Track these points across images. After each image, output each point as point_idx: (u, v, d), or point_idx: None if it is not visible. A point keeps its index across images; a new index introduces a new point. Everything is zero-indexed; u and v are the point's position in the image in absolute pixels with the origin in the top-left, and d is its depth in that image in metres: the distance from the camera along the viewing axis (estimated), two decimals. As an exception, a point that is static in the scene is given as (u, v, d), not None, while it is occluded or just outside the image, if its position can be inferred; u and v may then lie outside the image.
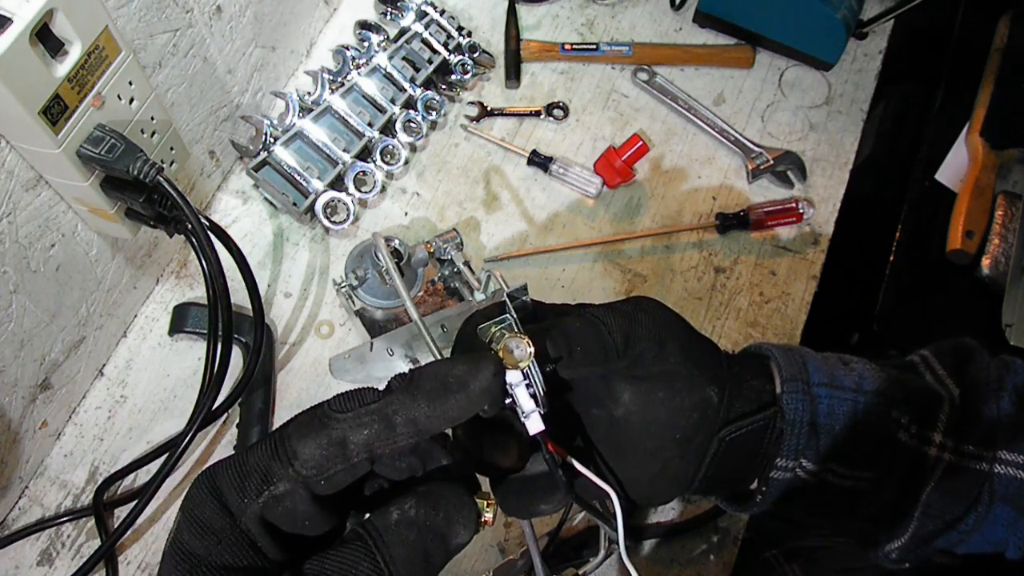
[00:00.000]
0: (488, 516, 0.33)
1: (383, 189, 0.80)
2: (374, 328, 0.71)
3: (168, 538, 0.31)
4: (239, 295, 0.61)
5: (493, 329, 0.35)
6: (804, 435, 0.39)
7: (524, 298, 0.39)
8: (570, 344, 0.37)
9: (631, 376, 0.39)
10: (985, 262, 0.81)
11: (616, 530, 0.37)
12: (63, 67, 0.48)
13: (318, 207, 0.74)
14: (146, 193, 0.55)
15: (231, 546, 0.30)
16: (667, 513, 0.68)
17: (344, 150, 0.75)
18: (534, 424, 0.34)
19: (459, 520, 0.32)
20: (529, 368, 0.33)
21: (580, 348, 0.37)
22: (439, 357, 0.60)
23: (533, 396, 0.34)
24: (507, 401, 0.34)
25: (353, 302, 0.71)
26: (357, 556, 0.30)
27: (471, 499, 0.33)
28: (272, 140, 0.73)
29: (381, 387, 0.33)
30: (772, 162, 0.85)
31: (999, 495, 0.39)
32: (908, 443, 0.40)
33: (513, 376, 0.33)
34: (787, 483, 0.40)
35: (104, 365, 0.71)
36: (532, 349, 0.33)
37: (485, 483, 0.39)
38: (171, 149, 0.61)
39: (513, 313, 0.35)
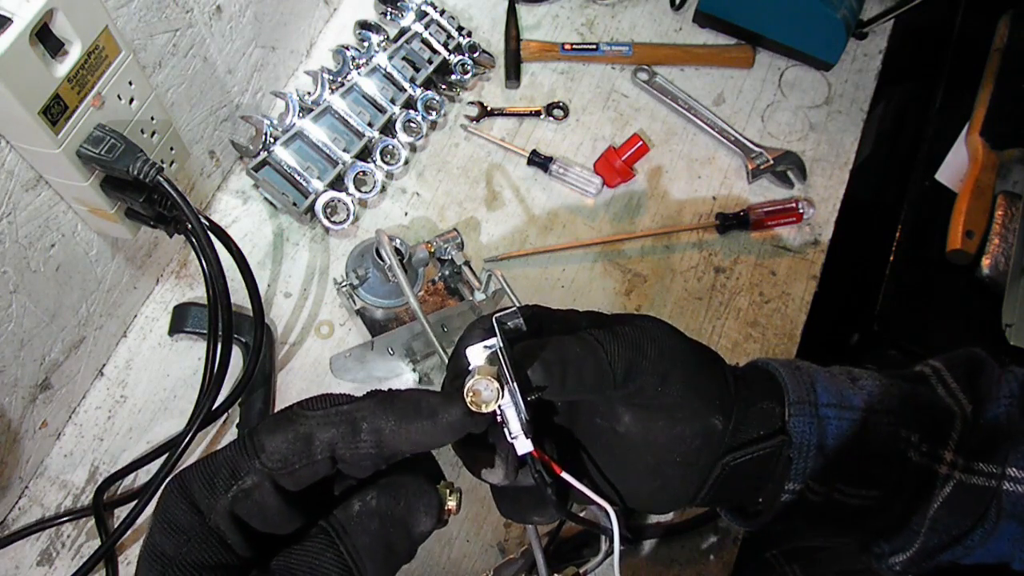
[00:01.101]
0: (451, 504, 0.34)
1: (383, 189, 0.80)
2: (374, 327, 0.71)
3: (143, 542, 0.32)
4: (239, 295, 0.61)
5: (478, 355, 0.35)
6: (812, 458, 0.39)
7: (515, 322, 0.37)
8: (565, 369, 0.35)
9: (630, 403, 0.38)
10: (985, 262, 0.81)
11: (612, 541, 0.37)
12: (63, 67, 0.48)
13: (318, 207, 0.74)
14: (146, 193, 0.55)
15: (201, 544, 0.30)
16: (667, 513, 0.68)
17: (344, 150, 0.75)
18: (521, 446, 0.34)
19: (421, 508, 0.33)
20: (510, 395, 0.33)
21: (575, 374, 0.35)
22: (442, 352, 0.60)
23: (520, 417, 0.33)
24: (497, 419, 0.33)
25: (354, 301, 0.71)
26: (320, 548, 0.31)
27: (432, 487, 0.34)
28: (272, 140, 0.73)
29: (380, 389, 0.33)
30: (772, 162, 0.85)
31: (1007, 512, 0.39)
32: (918, 462, 0.40)
33: (504, 399, 0.33)
34: (793, 502, 0.40)
35: (104, 365, 0.71)
36: (499, 398, 0.32)
37: (470, 479, 0.39)
38: (171, 149, 0.61)
39: (500, 340, 0.34)
